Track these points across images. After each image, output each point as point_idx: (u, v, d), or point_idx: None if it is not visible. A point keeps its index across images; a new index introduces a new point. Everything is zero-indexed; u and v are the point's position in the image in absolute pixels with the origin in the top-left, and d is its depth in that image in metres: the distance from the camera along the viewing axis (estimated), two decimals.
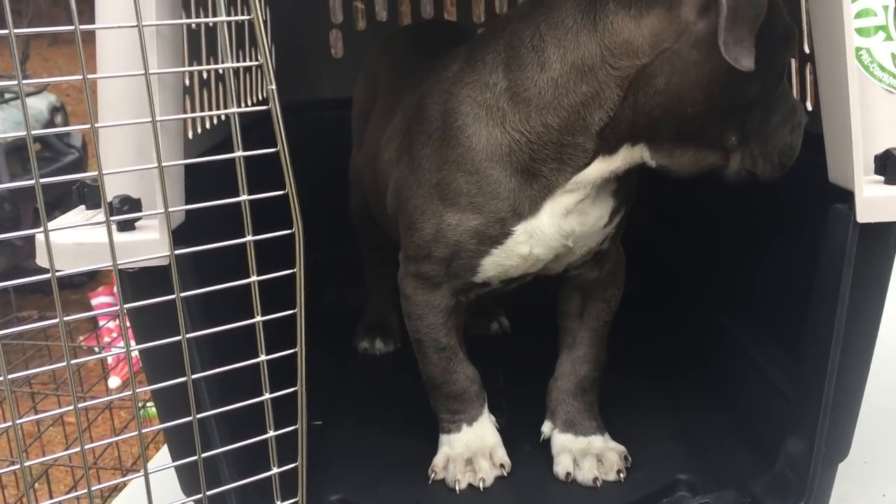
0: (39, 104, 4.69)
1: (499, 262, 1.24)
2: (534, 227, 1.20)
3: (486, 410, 1.37)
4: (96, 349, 3.66)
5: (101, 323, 3.25)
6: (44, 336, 2.38)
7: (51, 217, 0.95)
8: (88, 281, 4.72)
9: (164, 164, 0.88)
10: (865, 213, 0.98)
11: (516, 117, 1.16)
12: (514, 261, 1.24)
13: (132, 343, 0.97)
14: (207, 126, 1.33)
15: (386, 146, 1.40)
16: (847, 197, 1.00)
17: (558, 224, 1.21)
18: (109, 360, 3.52)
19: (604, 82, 1.10)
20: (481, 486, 1.29)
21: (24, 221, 4.32)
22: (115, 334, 3.34)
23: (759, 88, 1.11)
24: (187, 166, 1.05)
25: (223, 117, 1.41)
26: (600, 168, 1.17)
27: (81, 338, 3.28)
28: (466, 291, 1.31)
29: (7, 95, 4.45)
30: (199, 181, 1.07)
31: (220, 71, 1.39)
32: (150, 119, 0.86)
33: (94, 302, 4.11)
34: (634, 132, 1.14)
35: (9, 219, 4.26)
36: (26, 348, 2.24)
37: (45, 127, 4.68)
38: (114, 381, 3.43)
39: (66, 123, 4.93)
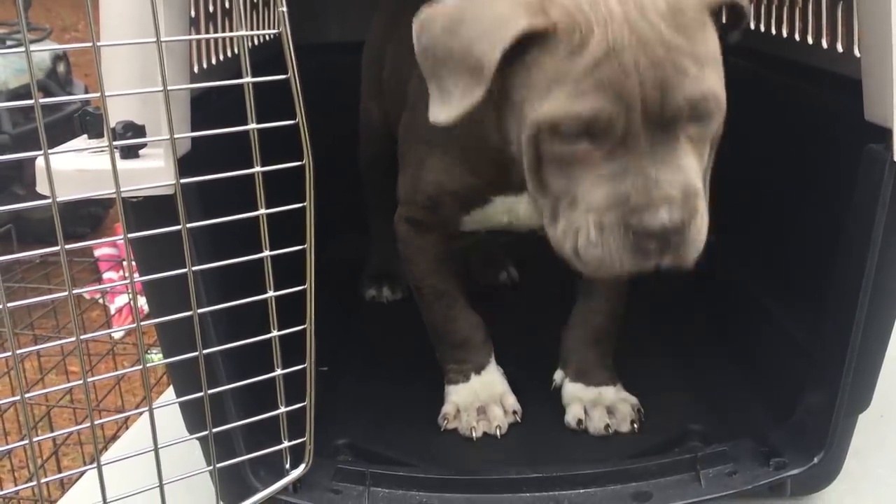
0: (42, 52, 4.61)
1: (480, 222, 1.23)
2: (511, 202, 1.18)
3: (493, 359, 1.34)
4: (98, 298, 3.65)
5: (104, 272, 3.23)
6: (45, 280, 2.36)
7: None
8: (91, 232, 4.70)
9: (169, 87, 0.84)
10: None
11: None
12: (494, 223, 1.23)
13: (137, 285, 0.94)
14: (213, 62, 1.28)
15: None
16: (884, 136, 0.96)
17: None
18: (112, 310, 3.51)
19: None
20: (498, 433, 1.26)
21: (25, 171, 4.28)
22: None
23: None
24: (194, 99, 1.01)
25: (230, 53, 1.36)
26: None
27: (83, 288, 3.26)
28: (457, 239, 1.29)
29: (9, 42, 4.38)
30: (206, 115, 1.03)
31: (227, 4, 1.34)
32: (154, 39, 0.82)
33: (97, 253, 4.08)
34: None
35: (10, 167, 4.23)
36: (27, 291, 2.22)
37: (48, 75, 4.62)
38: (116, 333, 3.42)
39: (68, 72, 4.86)
